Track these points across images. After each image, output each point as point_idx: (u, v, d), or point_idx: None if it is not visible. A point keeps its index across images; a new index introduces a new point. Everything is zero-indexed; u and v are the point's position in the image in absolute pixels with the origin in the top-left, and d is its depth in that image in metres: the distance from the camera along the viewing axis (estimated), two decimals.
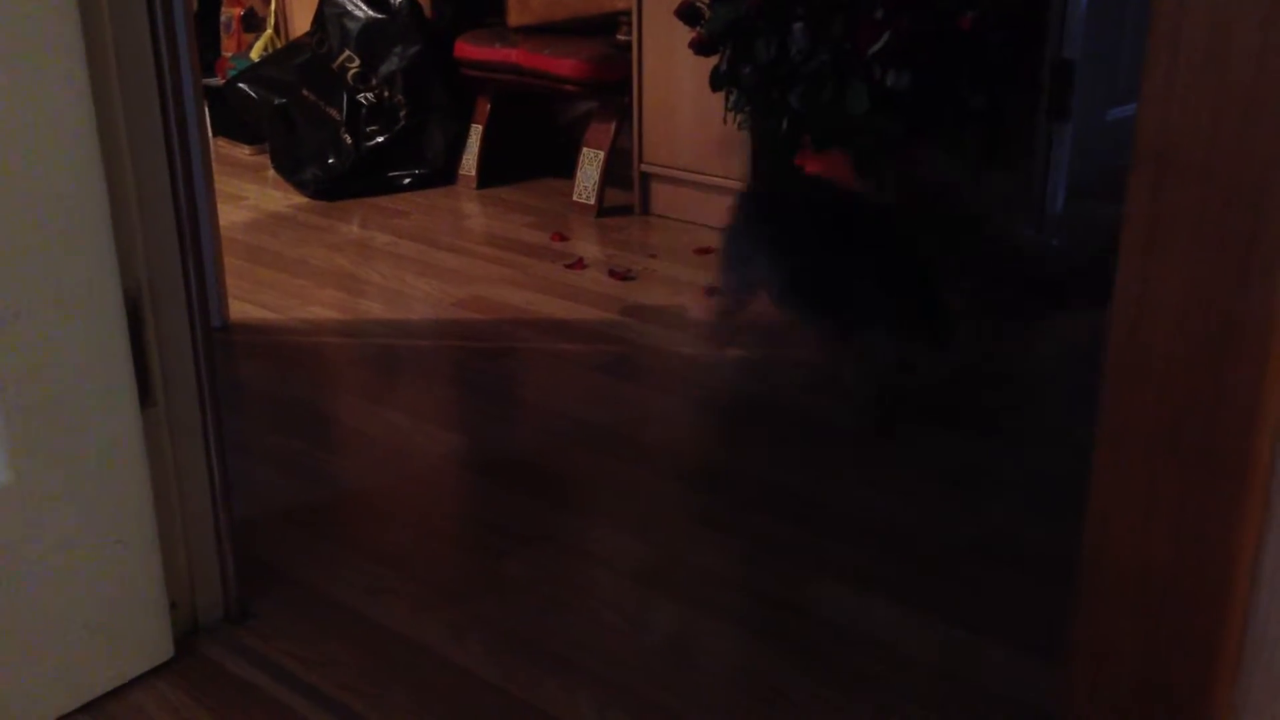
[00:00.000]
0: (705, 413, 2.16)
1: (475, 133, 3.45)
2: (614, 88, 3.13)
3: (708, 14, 2.56)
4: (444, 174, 3.44)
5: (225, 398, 1.50)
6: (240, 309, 2.52)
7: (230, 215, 3.06)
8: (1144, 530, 0.92)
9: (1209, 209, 0.84)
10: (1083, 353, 2.24)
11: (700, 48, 2.57)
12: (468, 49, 3.37)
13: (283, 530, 1.74)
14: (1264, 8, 0.82)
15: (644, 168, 3.15)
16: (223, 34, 3.89)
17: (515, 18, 3.36)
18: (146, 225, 1.32)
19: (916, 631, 1.51)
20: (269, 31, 3.87)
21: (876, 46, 2.36)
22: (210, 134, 3.52)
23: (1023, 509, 1.78)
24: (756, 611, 1.59)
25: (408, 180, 3.40)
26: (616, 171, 3.21)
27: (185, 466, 1.42)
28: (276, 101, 3.50)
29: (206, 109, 3.20)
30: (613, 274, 2.74)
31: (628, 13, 3.06)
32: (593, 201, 3.20)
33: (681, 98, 2.93)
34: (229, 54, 3.87)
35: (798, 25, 2.42)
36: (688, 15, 2.58)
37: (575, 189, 3.24)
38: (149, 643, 1.41)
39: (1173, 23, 0.86)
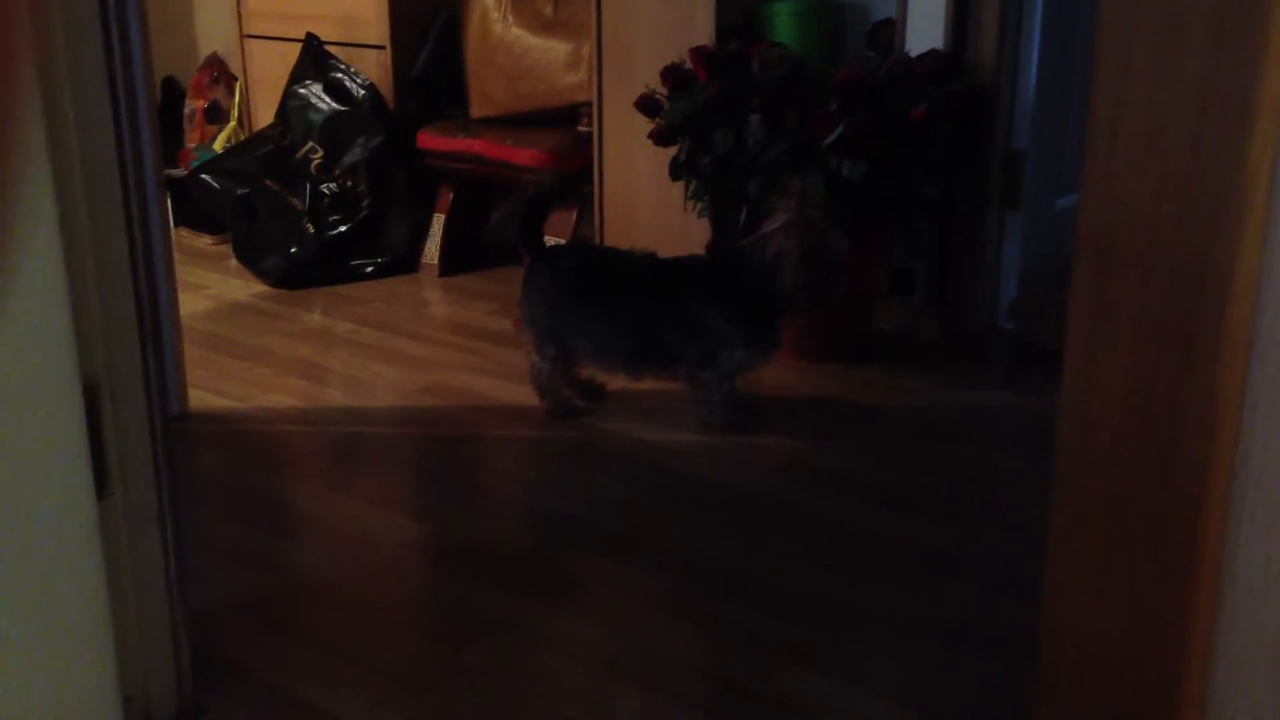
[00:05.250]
0: (667, 499, 2.15)
1: (438, 221, 3.47)
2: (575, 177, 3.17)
3: (666, 105, 2.61)
4: (406, 262, 3.45)
5: (184, 488, 1.48)
6: (200, 398, 2.50)
7: (191, 305, 3.05)
8: (1099, 610, 0.92)
9: (1150, 297, 0.86)
10: (1034, 435, 2.26)
11: (659, 138, 2.62)
12: (431, 139, 3.40)
13: (240, 623, 1.71)
14: (1199, 97, 0.85)
15: None
16: (186, 126, 3.92)
17: (478, 109, 3.41)
18: (106, 315, 1.32)
19: (882, 717, 1.50)
20: (233, 123, 3.90)
21: (831, 137, 2.42)
22: (172, 224, 3.53)
23: (984, 591, 1.79)
24: (721, 699, 1.57)
25: (370, 269, 3.41)
26: None
27: (141, 558, 1.40)
28: (239, 192, 3.51)
29: (169, 200, 3.20)
30: None
31: (588, 104, 3.11)
32: None
33: (641, 187, 2.97)
34: (192, 145, 3.89)
35: (754, 117, 2.47)
36: (647, 107, 2.63)
37: None
38: None
39: (1111, 114, 0.89)
